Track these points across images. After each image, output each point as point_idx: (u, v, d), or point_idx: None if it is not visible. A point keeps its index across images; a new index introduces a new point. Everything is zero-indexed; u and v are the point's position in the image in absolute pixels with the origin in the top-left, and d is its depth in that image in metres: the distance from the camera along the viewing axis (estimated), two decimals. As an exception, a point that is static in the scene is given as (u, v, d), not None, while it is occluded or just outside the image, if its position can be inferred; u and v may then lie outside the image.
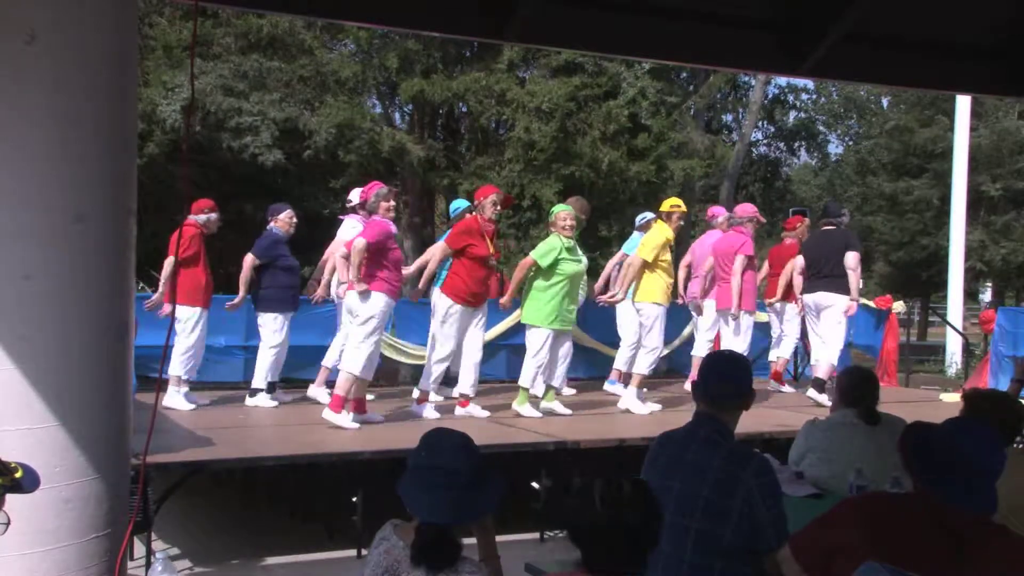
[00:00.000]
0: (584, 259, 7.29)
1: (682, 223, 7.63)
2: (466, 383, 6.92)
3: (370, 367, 6.29)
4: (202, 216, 6.95)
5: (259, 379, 7.16)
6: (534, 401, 6.98)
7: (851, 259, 7.75)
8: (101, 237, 3.51)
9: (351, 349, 6.32)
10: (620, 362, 8.21)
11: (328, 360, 7.33)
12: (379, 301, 6.25)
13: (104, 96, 3.50)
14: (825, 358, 7.83)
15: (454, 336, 6.69)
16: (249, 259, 7.11)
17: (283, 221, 7.28)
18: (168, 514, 5.44)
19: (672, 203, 7.55)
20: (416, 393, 6.89)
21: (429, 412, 6.71)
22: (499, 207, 6.81)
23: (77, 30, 3.43)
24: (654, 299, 7.30)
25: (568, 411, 7.05)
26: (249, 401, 7.16)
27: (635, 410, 7.21)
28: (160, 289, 6.93)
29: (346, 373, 6.25)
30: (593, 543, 2.10)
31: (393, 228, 6.45)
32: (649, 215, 8.34)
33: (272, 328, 7.12)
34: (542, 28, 4.74)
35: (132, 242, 3.69)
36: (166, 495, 5.10)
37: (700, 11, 4.88)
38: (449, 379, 7.21)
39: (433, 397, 6.95)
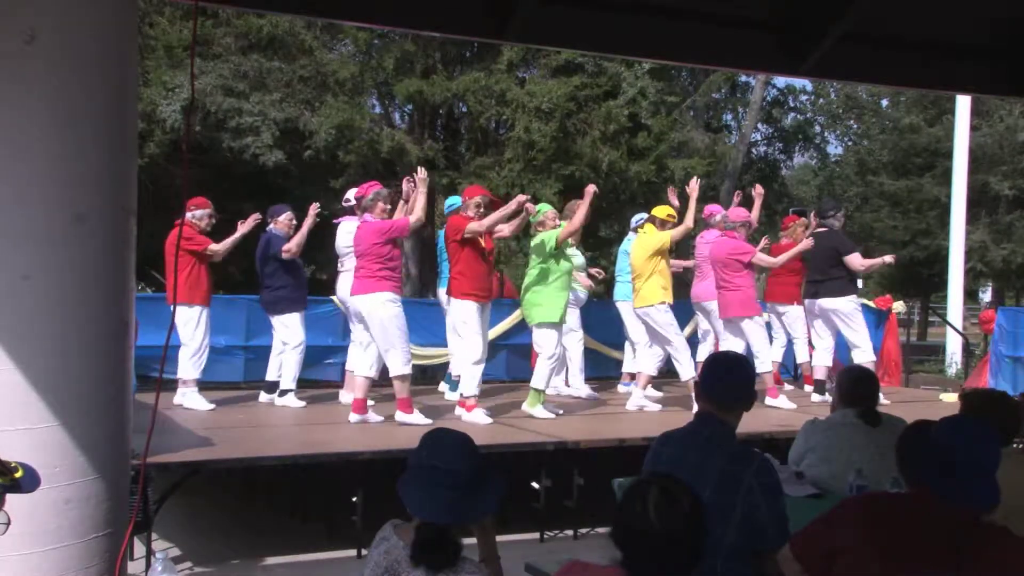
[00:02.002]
0: (579, 255, 7.31)
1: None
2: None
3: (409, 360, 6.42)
4: (187, 213, 6.88)
5: (287, 379, 7.23)
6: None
7: (854, 262, 7.80)
8: (101, 237, 3.51)
9: (387, 355, 6.37)
10: (632, 364, 8.25)
11: (351, 364, 7.34)
12: (387, 301, 6.31)
13: (104, 96, 3.50)
14: (859, 358, 7.83)
15: (480, 334, 6.64)
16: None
17: (282, 223, 7.30)
18: (168, 514, 5.44)
19: (668, 212, 7.52)
20: (455, 398, 6.93)
21: (482, 417, 6.58)
22: (482, 209, 6.74)
23: (77, 30, 3.43)
24: (658, 299, 7.26)
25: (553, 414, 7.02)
26: (278, 401, 7.24)
27: (649, 408, 7.31)
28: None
29: (397, 381, 6.37)
30: (639, 547, 2.08)
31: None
32: (644, 216, 8.34)
33: (296, 327, 7.18)
34: (542, 28, 4.74)
35: (132, 242, 3.69)
36: (166, 495, 5.10)
37: (700, 11, 4.88)
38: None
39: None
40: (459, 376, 7.07)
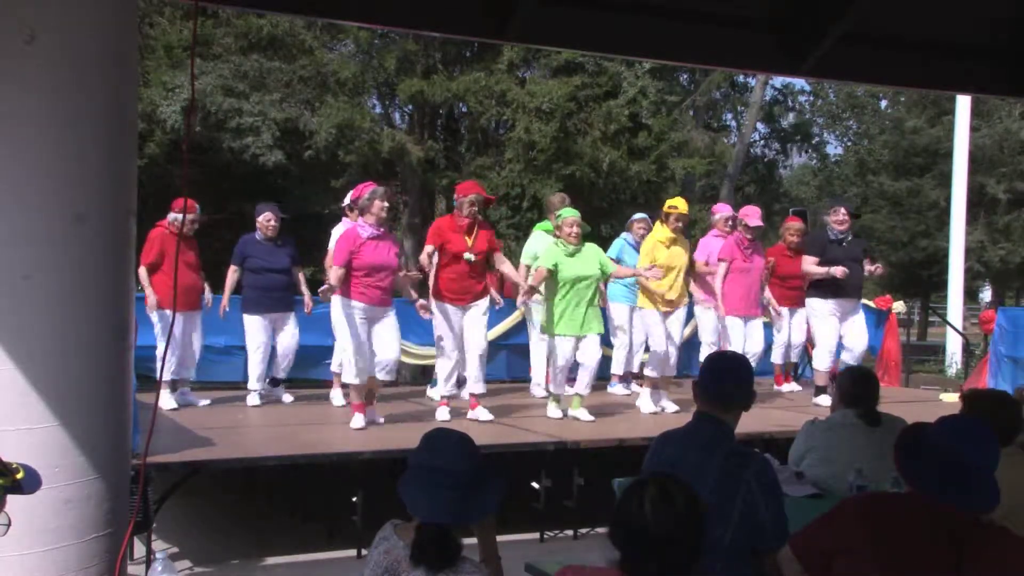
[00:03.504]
0: (600, 262, 6.97)
1: (680, 224, 7.37)
2: (472, 381, 6.81)
3: (362, 370, 6.25)
4: (170, 214, 6.80)
5: (250, 380, 7.28)
6: (562, 405, 6.95)
7: (803, 262, 7.85)
8: (101, 237, 3.51)
9: (344, 359, 6.43)
10: (616, 365, 8.23)
11: (335, 364, 7.37)
12: (344, 306, 6.25)
13: (104, 96, 3.50)
14: (815, 364, 7.96)
15: (447, 334, 6.63)
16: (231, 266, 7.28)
17: (259, 223, 7.25)
18: (168, 514, 5.44)
19: (669, 204, 7.40)
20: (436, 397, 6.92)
21: (442, 414, 6.68)
22: (475, 208, 6.62)
23: (77, 30, 3.43)
24: (640, 304, 7.38)
25: (591, 417, 6.84)
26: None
27: (643, 409, 7.23)
28: (149, 294, 6.80)
29: (349, 383, 6.39)
30: (636, 547, 2.06)
31: (364, 233, 6.25)
32: (636, 216, 8.31)
33: (250, 330, 7.20)
34: (542, 28, 4.74)
35: (132, 242, 3.69)
36: (166, 495, 5.10)
37: (700, 11, 4.88)
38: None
39: (446, 393, 6.90)
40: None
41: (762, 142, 25.51)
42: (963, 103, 15.77)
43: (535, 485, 5.92)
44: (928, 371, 16.27)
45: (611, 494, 3.57)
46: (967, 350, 13.90)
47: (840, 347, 7.96)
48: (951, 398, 8.65)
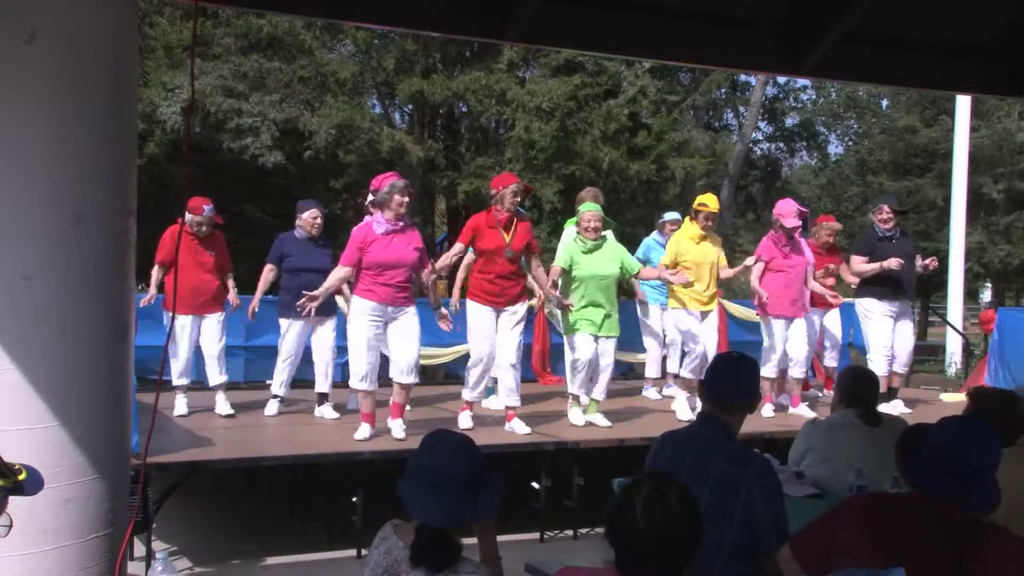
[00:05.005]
0: (622, 262, 6.71)
1: (710, 222, 7.07)
2: (505, 393, 6.37)
3: (369, 374, 5.92)
4: (187, 216, 6.62)
5: (273, 384, 7.01)
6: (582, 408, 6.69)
7: (851, 262, 7.64)
8: (101, 237, 3.50)
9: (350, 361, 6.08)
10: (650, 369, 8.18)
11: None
12: (355, 309, 5.94)
13: (104, 96, 3.50)
14: (875, 368, 7.18)
15: (480, 337, 6.26)
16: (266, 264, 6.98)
17: (304, 220, 6.87)
18: (168, 514, 5.44)
19: (699, 201, 7.15)
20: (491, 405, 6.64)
21: (464, 420, 6.30)
22: (518, 198, 6.30)
23: (77, 30, 3.42)
24: (671, 304, 7.20)
25: (608, 423, 6.63)
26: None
27: (680, 415, 6.94)
28: (151, 291, 6.77)
29: (355, 388, 6.06)
30: (630, 547, 2.06)
31: (379, 229, 5.88)
32: (667, 216, 8.22)
33: (285, 335, 6.88)
34: (542, 28, 4.73)
35: (132, 242, 3.69)
36: (166, 495, 5.11)
37: (700, 11, 4.88)
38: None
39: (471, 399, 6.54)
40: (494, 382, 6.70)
41: (765, 142, 25.52)
42: (963, 103, 15.73)
43: (535, 485, 5.92)
44: (928, 371, 16.25)
45: (611, 494, 3.57)
46: (967, 350, 13.89)
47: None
48: (951, 398, 8.64)
